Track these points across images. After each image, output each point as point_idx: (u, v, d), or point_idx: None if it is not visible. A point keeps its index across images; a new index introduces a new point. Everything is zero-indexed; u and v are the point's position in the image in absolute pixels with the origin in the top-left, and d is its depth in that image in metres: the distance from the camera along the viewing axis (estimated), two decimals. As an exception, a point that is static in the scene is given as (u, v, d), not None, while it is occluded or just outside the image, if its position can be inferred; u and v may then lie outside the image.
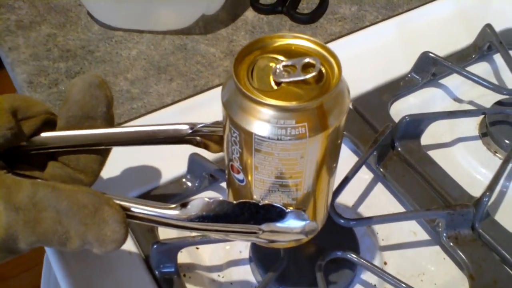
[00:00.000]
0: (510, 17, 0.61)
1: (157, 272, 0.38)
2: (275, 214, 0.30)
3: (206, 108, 0.49)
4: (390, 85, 0.53)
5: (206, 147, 0.36)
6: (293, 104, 0.26)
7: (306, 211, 0.32)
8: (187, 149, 0.38)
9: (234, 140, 0.29)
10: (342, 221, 0.39)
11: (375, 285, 0.40)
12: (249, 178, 0.30)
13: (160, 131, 0.35)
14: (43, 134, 0.34)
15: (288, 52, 0.29)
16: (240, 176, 0.31)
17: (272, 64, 0.29)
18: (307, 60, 0.28)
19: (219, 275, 0.40)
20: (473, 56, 0.56)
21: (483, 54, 0.57)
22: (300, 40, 0.30)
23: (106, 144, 0.35)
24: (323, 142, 0.28)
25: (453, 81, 0.55)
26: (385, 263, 0.42)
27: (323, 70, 0.28)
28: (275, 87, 0.28)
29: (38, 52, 0.53)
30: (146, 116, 0.47)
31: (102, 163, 0.36)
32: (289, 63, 0.28)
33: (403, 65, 0.54)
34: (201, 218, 0.30)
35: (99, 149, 0.35)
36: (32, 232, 0.29)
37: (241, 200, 0.30)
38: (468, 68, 0.56)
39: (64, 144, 0.34)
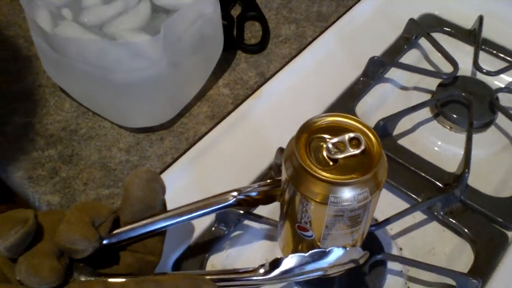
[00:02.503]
0: (421, 4, 0.70)
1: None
2: (338, 254, 0.36)
3: (207, 157, 0.53)
4: (349, 92, 0.60)
5: (250, 205, 0.41)
6: (358, 178, 0.33)
7: (358, 244, 0.39)
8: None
9: (305, 209, 0.35)
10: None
11: (401, 270, 0.47)
12: (318, 234, 0.36)
13: (211, 203, 0.40)
14: (114, 232, 0.37)
15: (330, 129, 0.35)
16: (309, 233, 0.37)
17: (322, 143, 0.34)
18: (351, 135, 0.34)
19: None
20: (405, 47, 0.65)
21: (411, 43, 0.65)
22: (337, 118, 0.36)
23: (165, 226, 0.39)
24: (377, 195, 0.35)
25: (396, 73, 0.63)
26: (401, 249, 0.49)
27: (364, 140, 0.34)
28: (331, 163, 0.34)
29: (23, 145, 0.54)
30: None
31: (163, 241, 0.40)
32: (335, 140, 0.34)
33: (352, 70, 0.62)
34: (284, 273, 0.35)
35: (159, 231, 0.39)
36: None
37: (311, 252, 0.36)
38: (403, 58, 0.65)
39: (132, 235, 0.38)
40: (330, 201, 0.33)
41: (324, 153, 0.34)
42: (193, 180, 0.52)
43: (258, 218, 0.47)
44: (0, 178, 0.54)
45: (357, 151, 0.33)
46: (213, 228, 0.49)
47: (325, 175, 0.33)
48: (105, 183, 0.51)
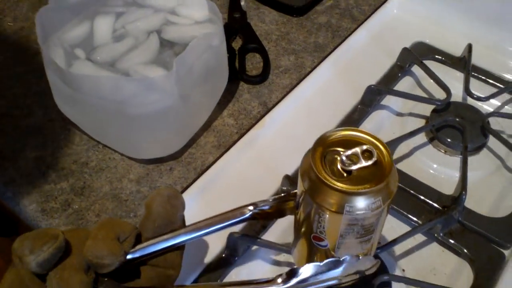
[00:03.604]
0: (413, 33, 0.74)
1: None
2: (352, 263, 0.38)
3: (215, 186, 0.56)
4: (347, 119, 0.63)
5: (263, 218, 0.43)
6: (372, 188, 0.35)
7: (371, 253, 0.41)
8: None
9: (321, 219, 0.37)
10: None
11: (405, 290, 0.50)
12: (333, 243, 0.39)
13: (228, 217, 0.42)
14: (137, 247, 0.39)
15: (343, 143, 0.37)
16: (324, 243, 0.39)
17: (336, 156, 0.37)
18: (364, 147, 0.36)
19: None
20: (399, 75, 0.68)
21: (405, 70, 0.68)
22: (350, 132, 0.38)
23: (185, 240, 0.41)
24: (389, 204, 0.37)
25: (391, 100, 0.66)
26: (403, 270, 0.51)
27: (376, 152, 0.36)
28: (345, 175, 0.36)
29: (35, 179, 0.55)
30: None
31: (182, 255, 0.42)
32: (349, 153, 0.36)
33: (350, 97, 0.65)
34: (301, 282, 0.37)
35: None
36: None
37: (326, 261, 0.38)
38: (398, 85, 0.68)
39: (153, 250, 0.40)
40: (346, 210, 0.35)
41: (339, 166, 0.36)
42: (203, 209, 0.53)
43: (266, 243, 0.49)
44: (8, 211, 0.55)
45: (369, 163, 0.36)
46: (223, 255, 0.51)
47: (341, 185, 0.35)
48: (117, 213, 0.53)
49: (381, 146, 0.37)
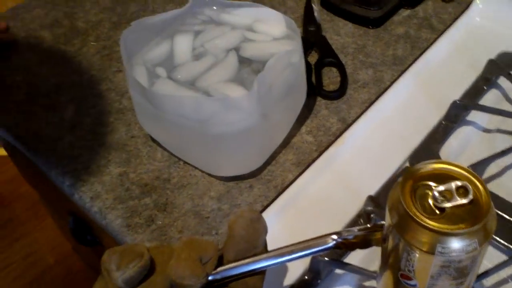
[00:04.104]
0: (498, 43, 0.70)
1: None
2: None
3: (296, 205, 0.55)
4: (431, 135, 0.60)
5: (348, 248, 0.42)
6: (468, 229, 0.33)
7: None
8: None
9: (410, 258, 0.35)
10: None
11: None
12: (423, 283, 0.37)
13: (311, 245, 0.41)
14: (219, 269, 0.39)
15: (435, 177, 0.36)
16: (413, 282, 0.37)
17: (428, 191, 0.35)
18: (458, 184, 0.34)
19: None
20: (485, 88, 0.65)
21: (491, 83, 0.65)
22: (442, 165, 0.36)
23: (266, 266, 0.40)
24: (486, 245, 0.35)
25: (476, 114, 0.63)
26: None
27: (471, 190, 0.34)
28: (438, 212, 0.34)
29: (119, 194, 0.57)
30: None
31: (263, 281, 0.41)
32: (442, 188, 0.35)
33: (433, 112, 0.62)
34: None
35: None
36: None
37: None
38: (483, 99, 0.65)
39: (234, 273, 0.39)
40: (438, 251, 0.33)
41: (430, 201, 0.34)
42: (283, 228, 0.53)
43: (350, 268, 0.48)
44: (93, 224, 0.57)
45: (465, 201, 0.34)
46: (306, 278, 0.50)
47: (433, 224, 0.33)
48: (199, 231, 0.53)
49: (477, 182, 0.35)
